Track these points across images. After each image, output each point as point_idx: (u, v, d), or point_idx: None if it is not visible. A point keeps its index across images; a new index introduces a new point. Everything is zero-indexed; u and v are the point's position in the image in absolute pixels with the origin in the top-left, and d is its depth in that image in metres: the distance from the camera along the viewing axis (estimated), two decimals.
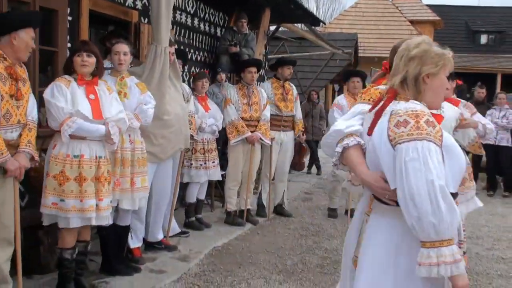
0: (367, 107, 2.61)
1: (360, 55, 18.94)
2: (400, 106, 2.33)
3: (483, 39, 30.55)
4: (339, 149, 2.56)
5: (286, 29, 12.12)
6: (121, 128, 4.15)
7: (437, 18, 27.33)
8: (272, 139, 6.98)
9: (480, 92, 10.19)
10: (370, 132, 2.44)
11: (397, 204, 2.28)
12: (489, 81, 18.43)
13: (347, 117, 2.72)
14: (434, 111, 2.41)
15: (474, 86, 10.82)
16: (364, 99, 2.79)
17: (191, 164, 6.30)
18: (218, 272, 5.03)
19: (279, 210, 7.46)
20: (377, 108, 2.46)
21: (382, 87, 2.79)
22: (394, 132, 2.27)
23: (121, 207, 4.55)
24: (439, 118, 2.41)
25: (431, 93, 2.41)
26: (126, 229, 4.88)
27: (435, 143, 2.22)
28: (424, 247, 2.17)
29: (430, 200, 2.14)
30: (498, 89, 19.92)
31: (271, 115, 7.06)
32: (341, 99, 7.41)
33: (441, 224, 2.13)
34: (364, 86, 17.67)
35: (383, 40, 23.97)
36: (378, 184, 2.38)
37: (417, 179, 2.16)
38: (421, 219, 2.15)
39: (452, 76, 5.06)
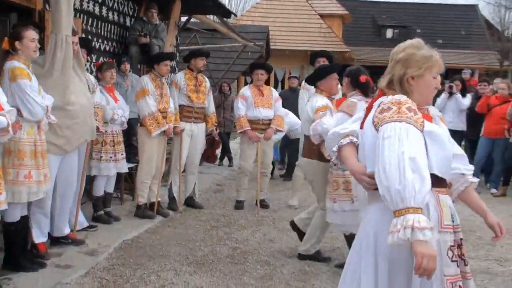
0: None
1: (271, 47, 19.16)
2: (387, 98, 2.51)
3: (389, 33, 31.71)
4: (335, 148, 2.79)
5: (198, 20, 12.04)
6: (12, 119, 3.99)
7: (346, 12, 28.04)
8: (182, 130, 6.97)
9: None
10: (362, 125, 2.63)
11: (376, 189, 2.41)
12: None
13: (348, 122, 2.94)
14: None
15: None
16: None
17: (101, 156, 6.16)
18: (127, 265, 4.97)
19: (190, 202, 7.44)
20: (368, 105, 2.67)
21: None
22: (377, 118, 2.46)
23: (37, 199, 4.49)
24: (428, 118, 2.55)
25: (417, 93, 2.56)
26: (26, 218, 4.69)
27: (415, 126, 2.36)
28: (394, 216, 2.24)
29: (398, 169, 2.24)
30: None
31: (182, 106, 7.07)
32: (245, 90, 7.60)
33: (406, 191, 2.20)
34: (275, 79, 17.60)
35: (294, 33, 24.39)
36: (359, 170, 2.56)
37: (390, 152, 2.30)
38: (389, 188, 2.24)
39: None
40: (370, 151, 2.50)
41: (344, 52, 24.26)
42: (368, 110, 2.62)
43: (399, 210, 2.22)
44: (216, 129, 7.66)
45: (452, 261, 2.45)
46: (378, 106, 2.51)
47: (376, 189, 2.40)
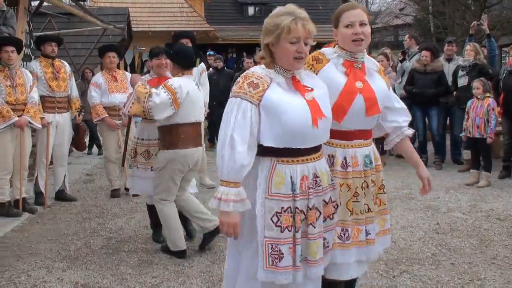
0: None
1: (133, 29, 18.68)
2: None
3: (251, 10, 32.19)
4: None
5: (51, 4, 11.39)
6: None
7: None
8: (49, 123, 6.64)
9: (249, 62, 10.74)
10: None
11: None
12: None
13: None
14: None
15: (243, 56, 11.35)
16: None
17: None
18: None
19: (61, 196, 7.14)
20: None
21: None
22: (232, 89, 2.64)
23: None
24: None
25: (279, 59, 2.65)
26: None
27: (249, 101, 2.55)
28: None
29: (221, 145, 2.54)
30: None
31: (43, 96, 6.72)
32: (97, 77, 7.41)
33: (224, 166, 2.53)
34: (141, 60, 16.92)
35: (155, 13, 23.99)
36: None
37: (222, 127, 2.56)
38: (217, 160, 2.57)
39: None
40: None
41: (209, 31, 24.27)
42: None
43: (221, 181, 2.56)
44: (79, 115, 7.36)
45: (276, 225, 2.61)
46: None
47: None
